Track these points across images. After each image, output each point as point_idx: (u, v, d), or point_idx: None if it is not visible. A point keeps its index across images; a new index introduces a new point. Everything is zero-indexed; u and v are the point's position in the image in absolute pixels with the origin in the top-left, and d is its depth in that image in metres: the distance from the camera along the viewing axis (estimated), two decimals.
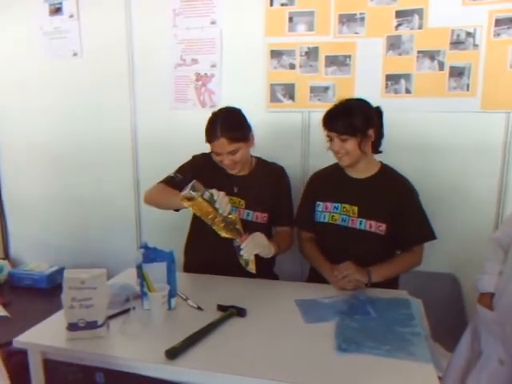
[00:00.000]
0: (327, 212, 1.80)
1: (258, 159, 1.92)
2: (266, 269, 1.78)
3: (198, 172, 1.82)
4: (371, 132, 1.69)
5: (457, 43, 2.02)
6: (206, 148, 1.90)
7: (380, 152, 1.80)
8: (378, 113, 1.75)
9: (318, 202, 1.83)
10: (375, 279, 1.66)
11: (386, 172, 1.79)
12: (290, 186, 1.93)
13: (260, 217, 1.84)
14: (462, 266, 2.15)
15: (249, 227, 1.66)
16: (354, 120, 1.65)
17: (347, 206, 1.76)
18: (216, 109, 1.84)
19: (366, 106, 1.72)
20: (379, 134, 1.76)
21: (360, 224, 1.74)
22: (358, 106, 1.70)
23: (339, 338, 1.27)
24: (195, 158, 1.91)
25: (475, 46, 2.00)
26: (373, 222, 1.72)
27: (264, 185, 1.85)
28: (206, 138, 1.75)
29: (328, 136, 1.72)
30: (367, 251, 1.72)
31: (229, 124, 1.71)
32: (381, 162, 1.81)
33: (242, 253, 1.55)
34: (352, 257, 1.69)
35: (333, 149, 1.71)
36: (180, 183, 1.77)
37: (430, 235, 1.74)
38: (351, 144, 1.66)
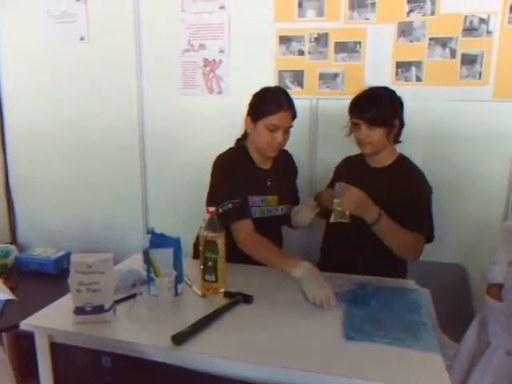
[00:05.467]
0: None
1: None
2: None
3: (240, 171, 1.68)
4: (397, 122, 1.66)
5: (470, 30, 1.98)
6: (214, 134, 1.88)
7: (400, 142, 1.75)
8: (400, 102, 1.70)
9: None
10: (382, 224, 1.55)
11: (402, 163, 1.73)
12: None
13: (290, 209, 1.80)
14: (470, 255, 2.14)
15: (280, 223, 1.58)
16: (385, 109, 1.62)
17: None
18: (224, 95, 1.79)
19: (395, 95, 1.68)
20: (401, 124, 1.71)
21: None
22: (389, 96, 1.66)
23: (347, 326, 1.27)
24: (231, 156, 1.73)
25: (488, 33, 1.96)
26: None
27: (285, 173, 1.83)
28: (263, 111, 1.63)
29: (355, 123, 1.67)
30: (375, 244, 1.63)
31: (291, 100, 1.67)
32: (399, 153, 1.74)
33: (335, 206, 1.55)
34: (363, 246, 1.66)
35: (358, 136, 1.67)
36: (246, 208, 1.65)
37: (425, 230, 1.65)
38: (379, 133, 1.63)
